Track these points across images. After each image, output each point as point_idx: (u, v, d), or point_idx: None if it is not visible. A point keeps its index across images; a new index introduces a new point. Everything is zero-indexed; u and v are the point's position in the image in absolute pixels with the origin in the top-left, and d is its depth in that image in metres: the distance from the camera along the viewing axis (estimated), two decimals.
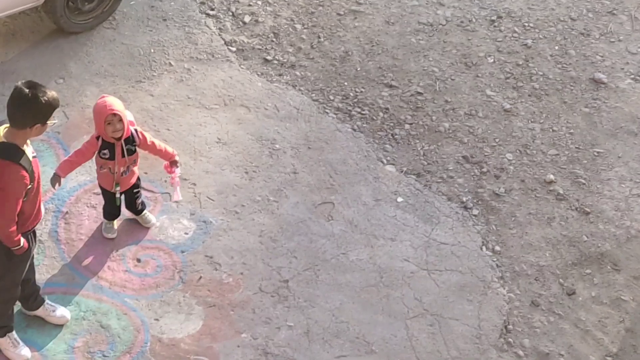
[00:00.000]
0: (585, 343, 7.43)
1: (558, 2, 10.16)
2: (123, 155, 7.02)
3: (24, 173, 5.83)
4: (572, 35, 9.87)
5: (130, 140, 7.02)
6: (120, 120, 6.83)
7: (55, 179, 6.86)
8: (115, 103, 6.87)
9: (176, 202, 7.65)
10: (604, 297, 7.73)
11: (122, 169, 7.11)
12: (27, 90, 5.73)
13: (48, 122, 5.92)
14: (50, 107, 5.84)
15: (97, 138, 6.96)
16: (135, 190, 7.38)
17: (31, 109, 5.77)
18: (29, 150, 5.99)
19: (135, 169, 7.28)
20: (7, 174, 5.79)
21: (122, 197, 7.35)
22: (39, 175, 6.11)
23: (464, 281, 7.68)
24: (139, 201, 7.49)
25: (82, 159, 7.05)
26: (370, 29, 9.71)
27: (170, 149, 7.32)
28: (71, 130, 8.10)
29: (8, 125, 5.88)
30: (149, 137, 7.16)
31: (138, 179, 7.38)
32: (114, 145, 6.96)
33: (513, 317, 7.51)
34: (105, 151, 6.98)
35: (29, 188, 5.94)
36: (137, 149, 7.12)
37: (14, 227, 6.02)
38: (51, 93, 5.84)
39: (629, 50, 9.73)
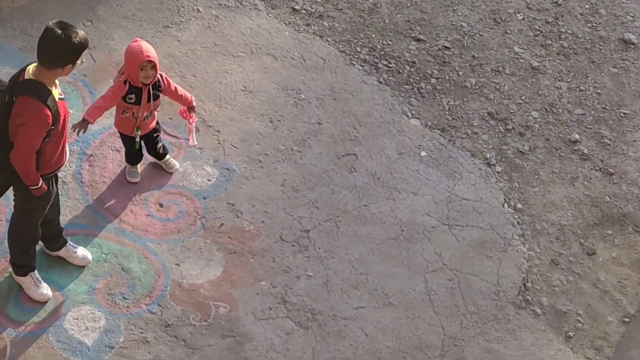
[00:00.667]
0: (604, 303, 7.43)
1: None
2: (149, 100, 7.02)
3: (47, 112, 5.83)
4: None
5: (156, 86, 7.03)
6: (154, 67, 6.84)
7: (82, 125, 6.81)
8: (150, 49, 6.87)
9: (192, 146, 7.65)
10: (624, 258, 7.73)
11: (145, 114, 7.12)
12: (59, 31, 5.72)
13: (78, 61, 5.92)
14: (81, 47, 5.84)
15: (125, 82, 6.95)
16: (155, 135, 7.38)
17: (63, 49, 5.77)
18: (56, 91, 5.99)
19: (156, 113, 7.28)
20: (31, 111, 5.80)
21: (142, 142, 7.35)
22: (65, 118, 6.11)
23: (484, 237, 7.68)
24: (160, 145, 7.49)
25: (110, 104, 7.04)
26: None
27: (189, 95, 7.32)
28: (98, 73, 8.10)
29: (37, 64, 5.88)
30: (172, 83, 7.17)
31: (157, 123, 7.38)
32: (142, 90, 6.96)
33: (532, 275, 7.51)
34: (132, 96, 6.98)
35: (52, 129, 5.94)
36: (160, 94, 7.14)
37: (33, 165, 6.02)
38: (82, 33, 5.84)
39: None
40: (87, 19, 8.61)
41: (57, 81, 6.03)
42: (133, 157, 7.46)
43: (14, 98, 5.84)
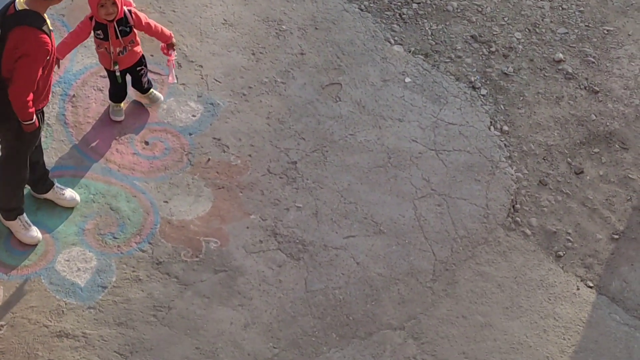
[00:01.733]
0: (593, 221, 7.46)
1: None
2: (117, 37, 6.97)
3: (47, 40, 5.87)
4: None
5: (124, 22, 6.96)
6: (114, 3, 6.78)
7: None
8: None
9: (173, 84, 7.60)
10: (611, 175, 7.74)
11: (118, 49, 7.07)
12: None
13: None
14: None
15: (91, 19, 6.93)
16: (138, 69, 7.33)
17: None
18: (48, 21, 6.01)
19: (137, 48, 7.22)
20: (33, 40, 5.81)
21: (127, 77, 7.32)
22: (54, 50, 6.12)
23: (472, 161, 7.69)
24: (145, 79, 7.45)
25: (78, 40, 7.02)
26: None
27: (167, 31, 7.26)
28: (76, 12, 7.98)
29: None
30: (144, 18, 7.09)
31: (142, 57, 7.33)
32: (107, 27, 6.92)
33: (521, 197, 7.53)
34: (99, 32, 6.96)
35: (48, 59, 5.96)
36: (134, 29, 7.07)
37: (32, 97, 6.02)
38: None
39: None
40: None
41: (45, 15, 6.00)
42: (116, 93, 7.42)
43: (8, 31, 5.81)
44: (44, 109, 6.45)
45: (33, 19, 5.83)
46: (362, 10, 8.58)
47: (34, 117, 6.14)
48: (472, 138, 7.82)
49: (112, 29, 6.92)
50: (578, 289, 7.14)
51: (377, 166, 7.56)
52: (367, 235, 7.17)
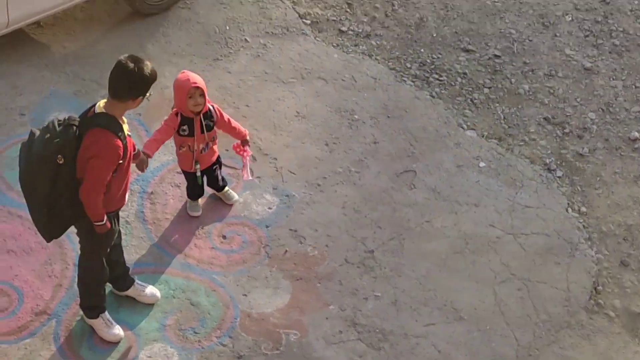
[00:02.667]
0: None
1: None
2: (202, 131, 7.04)
3: (119, 143, 5.90)
4: None
5: (209, 116, 7.04)
6: (202, 94, 6.87)
7: (143, 162, 6.84)
8: (196, 77, 6.92)
9: (247, 181, 7.65)
10: None
11: (201, 146, 7.13)
12: (131, 64, 5.79)
13: (147, 94, 6.01)
14: (152, 79, 5.92)
15: (177, 114, 7.00)
16: (214, 167, 7.40)
17: (135, 81, 5.84)
18: (125, 126, 6.07)
19: (215, 147, 7.30)
20: (104, 142, 5.86)
21: (204, 176, 7.40)
22: (131, 154, 6.19)
23: (550, 244, 7.61)
24: (220, 177, 7.51)
25: (165, 136, 7.08)
26: None
27: (242, 129, 7.32)
28: (152, 111, 8.14)
29: (108, 98, 5.96)
30: (225, 115, 7.18)
31: (218, 157, 7.41)
32: (193, 121, 6.99)
33: (602, 278, 7.43)
34: (185, 127, 7.01)
35: (120, 163, 6.01)
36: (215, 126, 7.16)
37: (101, 199, 6.06)
38: (151, 66, 5.91)
39: None
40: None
41: (124, 118, 6.10)
42: (194, 192, 7.50)
43: (84, 132, 5.92)
44: (121, 210, 6.51)
45: (107, 122, 5.90)
46: (433, 97, 8.63)
47: (105, 218, 6.19)
48: (549, 220, 7.75)
49: (198, 123, 7.00)
50: None
51: (455, 252, 7.52)
52: (447, 322, 7.10)
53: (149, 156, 6.91)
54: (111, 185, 6.10)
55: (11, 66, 8.47)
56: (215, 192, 7.62)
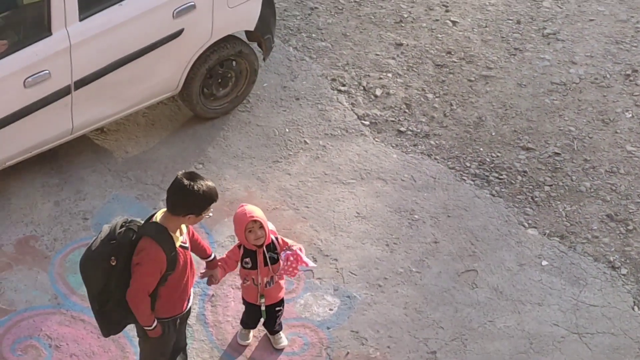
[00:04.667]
0: None
1: None
2: (266, 264, 6.89)
3: (162, 255, 5.90)
4: None
5: (272, 248, 6.89)
6: (261, 226, 6.73)
7: (213, 277, 6.80)
8: (255, 210, 6.80)
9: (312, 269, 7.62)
10: None
11: (265, 280, 6.96)
12: (186, 181, 5.84)
13: (203, 214, 6.03)
14: (206, 199, 5.93)
15: (239, 247, 6.91)
16: (277, 309, 7.22)
17: (186, 199, 5.88)
18: (179, 237, 6.08)
19: (282, 282, 7.11)
20: (147, 252, 5.90)
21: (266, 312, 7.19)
22: (185, 266, 6.17)
23: (617, 343, 7.49)
24: (279, 321, 7.33)
25: (227, 268, 6.94)
26: (502, 92, 9.66)
27: (304, 258, 6.96)
28: (212, 213, 8.20)
29: (164, 209, 6.05)
30: (290, 243, 6.97)
31: (283, 298, 7.23)
32: (256, 253, 6.87)
33: None
34: (247, 259, 6.88)
35: (169, 273, 6.03)
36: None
37: (145, 306, 6.08)
38: (210, 186, 5.93)
39: None
40: (198, 162, 8.79)
41: (184, 229, 6.14)
42: (250, 320, 7.32)
43: (139, 238, 5.98)
44: (179, 317, 6.47)
45: (157, 234, 5.94)
46: (493, 195, 8.62)
47: (154, 324, 6.20)
48: (615, 319, 7.65)
49: (261, 255, 6.86)
50: None
51: (519, 352, 7.42)
52: None
53: (218, 279, 6.88)
54: (162, 293, 6.13)
55: (75, 172, 8.62)
56: (267, 332, 7.45)
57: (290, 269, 6.88)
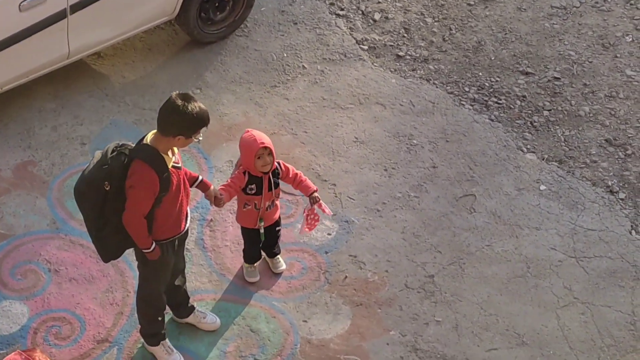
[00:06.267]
0: None
1: None
2: (270, 189, 6.93)
3: (155, 177, 5.89)
4: None
5: (276, 174, 6.94)
6: (270, 153, 6.75)
7: (219, 200, 6.70)
8: (263, 136, 6.79)
9: (303, 234, 7.58)
10: None
11: (267, 204, 7.01)
12: (179, 102, 5.78)
13: (192, 136, 6.00)
14: (198, 121, 5.89)
15: (244, 173, 6.88)
16: (277, 228, 7.29)
17: (178, 119, 5.82)
18: (171, 159, 6.05)
19: (278, 203, 7.16)
20: (139, 174, 5.88)
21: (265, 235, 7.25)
22: (178, 186, 6.16)
23: (614, 267, 7.53)
24: (279, 243, 7.40)
25: (233, 192, 6.90)
26: (502, 16, 9.59)
27: (311, 184, 7.10)
28: (210, 138, 8.19)
29: (155, 130, 5.99)
30: (292, 170, 7.04)
31: (280, 217, 7.29)
32: (262, 179, 6.87)
33: None
34: (252, 186, 6.87)
35: (162, 195, 6.02)
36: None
37: (141, 229, 6.09)
38: (202, 108, 5.88)
39: None
40: (196, 87, 8.77)
41: (175, 149, 6.12)
42: (253, 254, 7.36)
43: (131, 161, 5.98)
44: (176, 240, 6.49)
45: (148, 155, 5.92)
46: (492, 120, 8.61)
47: (152, 246, 6.21)
48: (613, 243, 7.68)
49: (266, 181, 6.88)
50: None
51: (516, 276, 7.47)
52: (509, 347, 7.05)
53: (224, 202, 6.80)
54: (157, 215, 6.13)
55: (72, 97, 8.60)
56: (265, 256, 7.50)
57: (312, 222, 7.10)
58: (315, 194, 7.06)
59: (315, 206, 7.02)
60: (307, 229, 7.21)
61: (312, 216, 7.11)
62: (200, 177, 6.58)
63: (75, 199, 6.12)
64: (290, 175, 7.02)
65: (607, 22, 9.51)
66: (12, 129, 8.29)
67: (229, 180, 6.96)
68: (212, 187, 6.64)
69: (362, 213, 7.86)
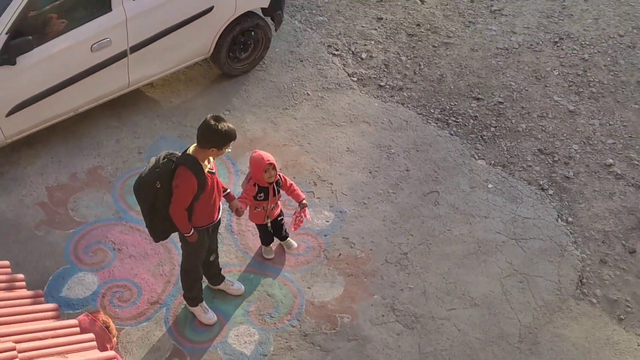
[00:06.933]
0: None
1: (607, 22, 9.86)
2: (274, 195, 6.95)
3: (193, 180, 5.90)
4: (621, 48, 9.56)
5: (278, 183, 6.95)
6: (274, 167, 6.76)
7: (238, 211, 6.64)
8: (268, 155, 6.79)
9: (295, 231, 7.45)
10: None
11: (272, 206, 7.04)
12: (213, 122, 5.80)
13: (223, 148, 6.00)
14: (227, 137, 5.88)
15: (254, 185, 6.89)
16: (280, 218, 7.27)
17: (210, 135, 5.83)
18: (207, 165, 6.04)
19: (279, 203, 7.18)
20: (182, 177, 5.89)
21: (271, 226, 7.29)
22: (212, 187, 6.15)
23: (545, 246, 7.53)
24: (284, 228, 7.38)
25: (248, 202, 6.93)
26: (459, 55, 9.58)
27: (301, 192, 7.13)
28: (236, 150, 8.18)
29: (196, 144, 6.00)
30: (288, 180, 7.06)
31: (281, 210, 7.28)
32: (268, 188, 6.89)
33: (586, 273, 7.33)
34: (261, 194, 6.91)
35: (199, 194, 6.02)
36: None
37: (183, 218, 6.10)
38: (230, 127, 5.87)
39: None
40: (225, 109, 8.77)
41: (211, 158, 6.12)
42: (267, 239, 7.38)
43: (177, 166, 5.98)
44: (210, 227, 6.47)
45: (189, 163, 5.92)
46: (451, 134, 8.59)
47: (191, 231, 6.22)
48: (544, 228, 7.67)
49: (271, 189, 6.90)
50: (639, 345, 6.86)
51: (470, 253, 7.46)
52: (465, 307, 7.05)
53: (242, 212, 6.76)
54: (195, 208, 6.13)
55: (131, 117, 8.60)
56: (279, 241, 7.49)
57: (298, 222, 7.14)
58: (304, 201, 7.08)
59: (302, 212, 7.07)
60: (293, 229, 7.25)
61: (299, 218, 7.13)
62: (228, 190, 6.57)
63: (135, 195, 6.13)
64: (287, 185, 7.04)
65: (539, 59, 9.50)
66: (85, 142, 8.30)
67: (243, 193, 6.97)
68: (235, 200, 6.63)
69: (352, 205, 7.85)
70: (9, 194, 7.78)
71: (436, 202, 7.92)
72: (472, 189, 8.06)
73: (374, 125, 8.69)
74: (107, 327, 5.89)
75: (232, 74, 9.16)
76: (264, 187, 6.90)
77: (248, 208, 7.09)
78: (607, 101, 8.96)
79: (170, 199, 6.05)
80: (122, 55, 8.04)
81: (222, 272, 7.07)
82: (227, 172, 8.07)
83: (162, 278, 7.19)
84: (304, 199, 7.11)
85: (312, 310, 7.00)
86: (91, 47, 7.76)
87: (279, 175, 6.97)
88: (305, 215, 7.12)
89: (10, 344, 4.50)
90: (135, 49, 8.10)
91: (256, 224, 7.30)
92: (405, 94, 9.10)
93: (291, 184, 7.09)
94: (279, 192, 7.01)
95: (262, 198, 6.95)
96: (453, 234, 7.64)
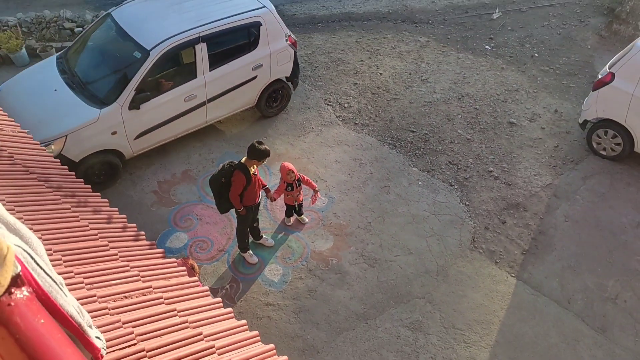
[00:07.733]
0: (514, 244, 7.24)
1: (490, 86, 9.88)
2: (297, 187, 6.97)
3: (244, 179, 5.99)
4: (498, 102, 9.58)
5: (298, 180, 6.95)
6: (293, 172, 6.81)
7: (272, 199, 6.69)
8: (290, 164, 6.82)
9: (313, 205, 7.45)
10: (520, 223, 7.53)
11: (297, 194, 7.03)
12: (256, 144, 5.92)
13: (262, 161, 6.03)
14: (264, 154, 5.94)
15: (284, 183, 6.93)
16: (300, 205, 7.26)
17: (254, 153, 5.93)
18: (252, 170, 6.11)
19: (302, 192, 7.14)
20: (237, 176, 5.99)
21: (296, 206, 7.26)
22: (255, 183, 6.19)
23: (452, 219, 7.57)
24: (302, 208, 7.34)
25: (279, 193, 6.94)
26: (402, 106, 9.59)
27: (314, 184, 7.05)
28: (271, 162, 8.20)
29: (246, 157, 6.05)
30: (304, 177, 7.04)
31: (302, 198, 7.23)
32: (293, 184, 6.93)
33: (476, 235, 7.38)
34: (289, 187, 6.94)
35: (247, 186, 6.07)
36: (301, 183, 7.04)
37: (236, 200, 6.15)
38: (267, 148, 5.92)
39: (526, 107, 9.42)
40: (263, 137, 8.79)
41: (255, 166, 6.16)
42: (289, 213, 7.30)
43: (234, 170, 6.03)
44: (253, 206, 6.46)
45: (241, 168, 6.00)
46: (397, 152, 8.60)
47: (242, 208, 6.26)
48: (452, 208, 7.71)
49: (294, 184, 6.91)
50: (507, 278, 6.92)
51: (408, 223, 7.50)
52: (404, 255, 7.10)
53: (275, 199, 6.76)
54: (244, 195, 6.20)
55: (207, 141, 8.62)
56: (296, 216, 7.42)
57: (313, 200, 7.04)
58: (317, 189, 7.07)
59: (315, 195, 7.03)
60: (312, 203, 7.24)
61: (314, 197, 7.09)
62: (266, 185, 6.61)
63: (209, 186, 6.20)
64: (305, 180, 7.05)
65: (450, 108, 9.50)
66: (180, 156, 8.33)
67: (278, 188, 7.00)
68: (270, 193, 6.65)
69: (338, 194, 7.88)
70: (135, 186, 7.84)
71: (388, 192, 7.96)
72: (409, 184, 8.10)
73: (352, 147, 8.73)
74: (193, 268, 5.96)
75: (268, 116, 9.18)
76: (289, 184, 6.94)
77: (282, 196, 7.09)
78: (489, 133, 9.01)
79: (230, 189, 6.12)
80: (202, 104, 8.09)
81: (260, 232, 7.12)
82: (265, 174, 8.12)
83: (225, 236, 7.23)
84: (316, 187, 7.07)
85: (314, 256, 7.06)
86: (184, 99, 7.83)
87: (299, 175, 6.98)
88: (317, 197, 7.08)
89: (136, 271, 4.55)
90: (210, 100, 8.16)
91: (287, 204, 7.26)
92: (370, 128, 9.14)
93: (308, 180, 7.05)
94: (299, 185, 6.99)
95: (290, 189, 6.96)
96: (398, 211, 7.68)
